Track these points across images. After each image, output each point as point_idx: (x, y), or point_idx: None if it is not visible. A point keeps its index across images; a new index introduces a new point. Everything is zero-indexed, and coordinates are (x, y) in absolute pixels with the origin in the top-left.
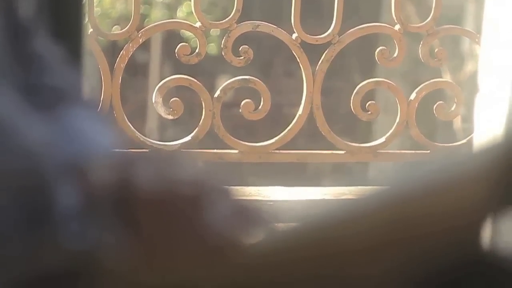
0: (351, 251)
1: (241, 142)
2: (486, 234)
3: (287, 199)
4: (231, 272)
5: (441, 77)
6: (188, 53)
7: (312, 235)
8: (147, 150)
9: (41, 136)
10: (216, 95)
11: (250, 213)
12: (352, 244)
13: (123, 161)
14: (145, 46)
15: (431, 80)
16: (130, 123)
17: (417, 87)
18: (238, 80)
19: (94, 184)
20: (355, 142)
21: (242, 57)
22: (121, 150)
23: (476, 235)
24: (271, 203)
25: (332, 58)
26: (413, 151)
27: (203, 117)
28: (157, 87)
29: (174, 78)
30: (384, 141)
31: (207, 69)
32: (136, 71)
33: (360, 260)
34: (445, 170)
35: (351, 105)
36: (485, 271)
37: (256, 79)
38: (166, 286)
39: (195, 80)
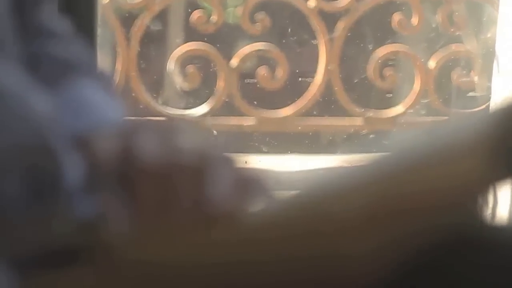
0: (349, 227)
1: (257, 110)
2: (492, 204)
3: (300, 168)
4: (229, 246)
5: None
6: (205, 22)
7: (306, 207)
8: (163, 119)
9: (49, 109)
10: (232, 63)
11: (251, 183)
12: (349, 219)
13: (128, 130)
14: (163, 16)
15: (450, 48)
16: (148, 92)
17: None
18: (255, 48)
19: (100, 155)
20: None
21: (259, 24)
22: (132, 118)
23: (482, 205)
24: (283, 172)
25: (350, 25)
26: (433, 118)
27: (219, 86)
28: (172, 56)
29: (189, 47)
30: (403, 110)
31: (225, 39)
32: (153, 41)
33: (358, 236)
34: (457, 132)
35: (370, 71)
36: (497, 241)
37: (273, 45)
38: (166, 260)
39: (211, 48)
